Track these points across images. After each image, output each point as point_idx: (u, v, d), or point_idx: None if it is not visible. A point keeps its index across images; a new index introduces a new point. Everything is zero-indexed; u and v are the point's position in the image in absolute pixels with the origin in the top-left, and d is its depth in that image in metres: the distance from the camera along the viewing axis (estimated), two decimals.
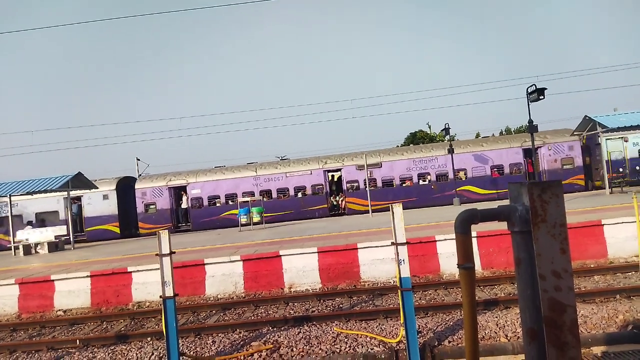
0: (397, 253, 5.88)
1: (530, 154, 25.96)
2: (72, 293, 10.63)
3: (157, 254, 5.90)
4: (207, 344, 7.18)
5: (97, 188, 25.18)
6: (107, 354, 7.13)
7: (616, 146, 25.47)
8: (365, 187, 25.85)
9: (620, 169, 24.88)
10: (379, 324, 7.27)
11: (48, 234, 20.33)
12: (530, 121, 18.23)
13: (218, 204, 27.47)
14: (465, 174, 26.41)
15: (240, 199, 23.70)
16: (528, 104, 17.98)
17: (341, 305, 8.79)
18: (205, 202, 27.54)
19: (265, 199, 26.24)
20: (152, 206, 27.64)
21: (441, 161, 26.41)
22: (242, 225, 21.64)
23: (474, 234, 10.36)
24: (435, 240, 10.55)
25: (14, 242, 20.41)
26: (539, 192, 1.34)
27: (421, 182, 26.60)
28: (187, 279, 10.52)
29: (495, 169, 26.17)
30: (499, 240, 10.25)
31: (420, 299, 8.75)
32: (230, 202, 27.20)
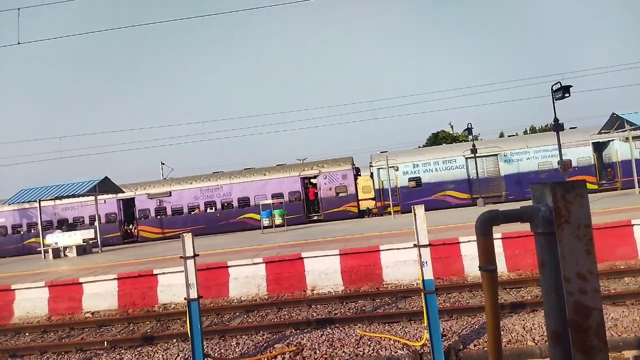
0: (420, 255, 5.83)
1: (307, 182, 27.47)
2: (100, 295, 10.86)
3: (181, 257, 5.99)
4: (231, 345, 7.25)
5: (123, 192, 25.81)
6: (134, 355, 7.25)
7: (390, 174, 26.00)
8: (157, 215, 27.96)
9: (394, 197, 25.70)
10: (403, 326, 7.21)
11: (76, 237, 20.83)
12: (556, 120, 17.84)
13: (22, 232, 29.01)
14: (248, 202, 27.25)
15: (39, 228, 23.62)
16: (553, 102, 17.61)
17: (364, 308, 8.76)
18: (10, 230, 29.05)
19: (64, 227, 27.38)
20: None
21: (226, 190, 27.39)
22: (265, 227, 21.80)
23: (498, 235, 10.20)
24: (459, 242, 10.41)
25: (43, 246, 20.97)
26: (563, 193, 1.31)
27: (208, 210, 27.58)
28: (211, 281, 10.64)
29: (276, 197, 26.70)
30: (525, 242, 10.06)
31: (444, 301, 8.64)
32: (33, 231, 28.50)
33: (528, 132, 60.32)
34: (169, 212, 27.85)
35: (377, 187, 26.15)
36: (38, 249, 27.24)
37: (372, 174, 26.79)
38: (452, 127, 53.94)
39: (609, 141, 24.56)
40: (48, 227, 28.30)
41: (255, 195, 27.03)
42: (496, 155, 25.51)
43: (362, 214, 27.23)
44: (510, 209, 1.47)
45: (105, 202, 27.88)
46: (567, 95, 16.64)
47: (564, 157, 24.06)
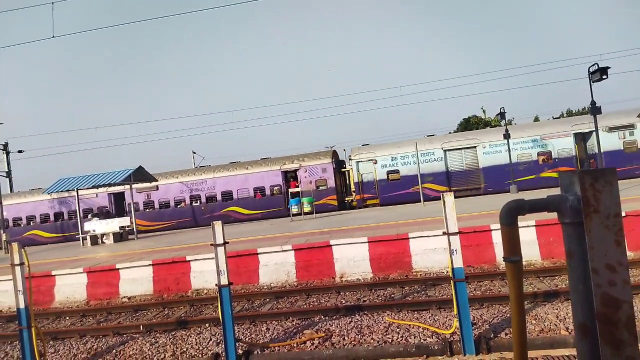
0: (450, 243, 5.77)
1: (289, 176, 27.81)
2: (136, 281, 11.22)
3: (212, 244, 6.12)
4: (261, 330, 7.38)
5: (157, 181, 26.53)
6: (168, 339, 7.48)
7: (367, 168, 26.31)
8: (145, 209, 28.78)
9: (372, 189, 26.13)
10: (432, 314, 7.18)
11: (113, 225, 21.52)
12: (593, 102, 17.17)
13: (21, 224, 30.66)
14: (231, 196, 27.95)
15: (78, 217, 23.81)
16: (590, 85, 16.93)
17: (393, 295, 8.75)
18: (11, 223, 30.65)
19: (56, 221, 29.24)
20: None
21: (210, 184, 27.97)
22: (294, 215, 21.98)
23: (532, 222, 9.99)
24: (491, 230, 10.24)
25: (82, 233, 21.77)
26: (591, 181, 1.26)
27: (194, 204, 28.38)
28: (242, 267, 10.83)
29: (258, 191, 27.25)
30: (560, 229, 9.72)
31: (475, 289, 8.54)
32: (32, 223, 30.27)
33: (565, 115, 58.41)
34: (156, 205, 28.96)
35: (356, 180, 26.46)
36: (40, 242, 28.93)
37: (351, 167, 27.23)
38: (484, 111, 52.71)
39: (591, 132, 23.88)
40: (45, 220, 30.24)
41: (238, 189, 27.85)
42: (475, 147, 25.28)
43: (344, 206, 27.74)
44: (536, 198, 1.43)
45: (97, 196, 29.25)
46: (605, 77, 15.96)
47: (544, 149, 24.32)
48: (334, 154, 27.96)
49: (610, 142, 23.24)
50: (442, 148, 25.54)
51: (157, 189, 28.35)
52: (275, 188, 27.58)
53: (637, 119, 21.95)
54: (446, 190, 24.34)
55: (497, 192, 23.83)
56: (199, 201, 28.31)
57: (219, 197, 28.02)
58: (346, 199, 28.90)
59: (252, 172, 27.65)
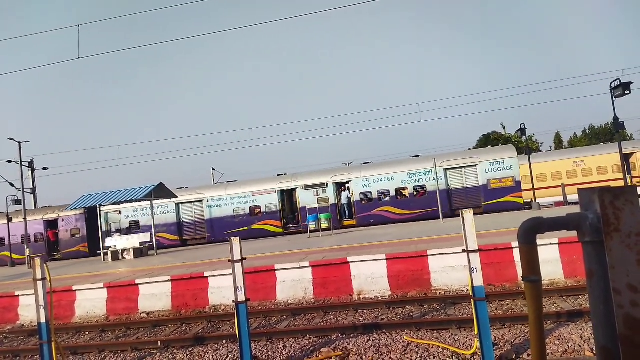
0: (469, 261, 5.68)
1: (51, 225, 30.55)
2: (155, 296, 11.29)
3: (229, 260, 6.14)
4: (278, 348, 7.34)
5: (177, 197, 26.98)
6: (185, 355, 7.49)
7: (115, 218, 29.77)
8: None
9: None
10: (452, 334, 7.04)
11: (134, 240, 21.79)
12: (616, 118, 16.87)
13: None
14: (3, 242, 30.66)
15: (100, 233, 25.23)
16: (612, 100, 16.66)
17: (411, 314, 8.62)
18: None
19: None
20: None
21: None
22: (311, 231, 21.95)
23: (555, 240, 9.78)
24: (512, 247, 10.05)
25: (103, 249, 22.08)
26: (611, 199, 1.23)
27: None
28: (259, 284, 10.81)
29: (21, 241, 29.92)
30: None
31: (496, 309, 8.36)
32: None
33: (587, 131, 57.55)
34: None
35: (104, 229, 28.70)
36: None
37: (100, 217, 29.68)
38: (504, 127, 52.33)
39: (293, 189, 27.38)
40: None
41: (12, 235, 30.31)
42: (201, 201, 28.59)
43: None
44: (556, 217, 1.40)
45: None
46: (628, 92, 15.69)
47: (255, 204, 27.64)
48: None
49: (307, 198, 26.66)
50: (174, 202, 28.37)
51: None
52: (39, 236, 30.83)
53: (329, 179, 25.80)
54: (177, 239, 28.13)
55: (219, 242, 26.50)
56: None
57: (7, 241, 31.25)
58: None
59: (18, 222, 30.47)
